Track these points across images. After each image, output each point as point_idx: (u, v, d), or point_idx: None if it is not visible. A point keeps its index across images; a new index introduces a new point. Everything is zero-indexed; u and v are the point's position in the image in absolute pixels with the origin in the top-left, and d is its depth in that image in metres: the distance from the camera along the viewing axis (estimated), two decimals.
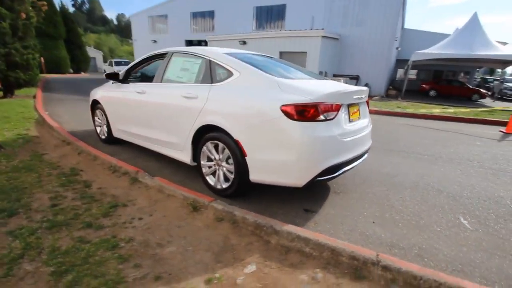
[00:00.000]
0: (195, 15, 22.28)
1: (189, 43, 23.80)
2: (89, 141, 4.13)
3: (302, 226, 2.15)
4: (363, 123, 2.68)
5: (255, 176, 2.33)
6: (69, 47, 22.89)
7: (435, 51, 15.35)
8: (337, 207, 2.52)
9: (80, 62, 25.07)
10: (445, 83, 18.06)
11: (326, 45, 14.84)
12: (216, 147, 2.57)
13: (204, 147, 2.64)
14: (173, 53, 3.15)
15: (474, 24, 15.72)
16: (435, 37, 22.83)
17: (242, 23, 20.04)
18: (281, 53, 15.40)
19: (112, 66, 21.42)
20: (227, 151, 2.45)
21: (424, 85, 18.05)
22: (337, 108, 2.22)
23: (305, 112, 2.06)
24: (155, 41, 24.36)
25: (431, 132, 6.13)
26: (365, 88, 2.67)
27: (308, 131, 2.07)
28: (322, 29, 14.30)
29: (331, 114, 2.17)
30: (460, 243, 2.05)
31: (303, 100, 2.07)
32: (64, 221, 2.01)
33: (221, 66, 2.61)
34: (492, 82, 22.39)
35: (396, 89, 20.18)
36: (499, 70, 25.69)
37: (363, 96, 2.64)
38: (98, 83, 4.95)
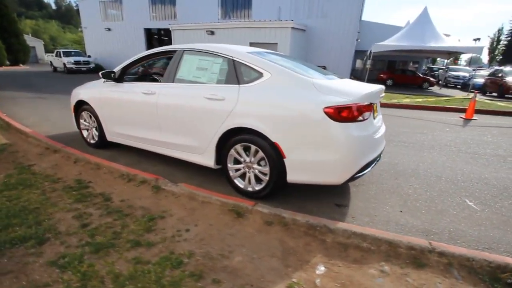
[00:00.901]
0: (154, 1, 20.81)
1: (148, 31, 22.29)
2: (75, 146, 3.73)
3: (342, 221, 2.26)
4: (380, 119, 2.85)
5: (293, 176, 2.36)
6: (2, 35, 19.86)
7: (393, 43, 16.54)
8: (363, 199, 2.69)
9: (18, 53, 22.03)
10: (400, 72, 19.70)
11: (295, 36, 15.09)
12: (246, 149, 2.53)
13: (232, 150, 2.59)
14: (184, 51, 2.96)
15: (424, 18, 17.22)
16: (388, 29, 24.53)
17: (207, 11, 19.32)
18: (251, 43, 15.25)
19: (60, 57, 19.11)
20: (260, 154, 2.43)
21: (382, 75, 19.47)
22: (370, 108, 2.34)
23: (347, 113, 2.13)
24: (109, 29, 22.30)
25: (406, 121, 6.71)
26: (383, 86, 2.83)
27: (350, 131, 2.15)
28: (292, 20, 14.47)
29: (367, 114, 2.28)
30: (477, 223, 2.35)
31: (344, 101, 2.14)
32: (107, 242, 1.83)
33: (248, 67, 2.54)
34: (437, 71, 24.96)
35: (356, 78, 21.45)
36: (444, 60, 28.73)
37: (383, 94, 2.80)
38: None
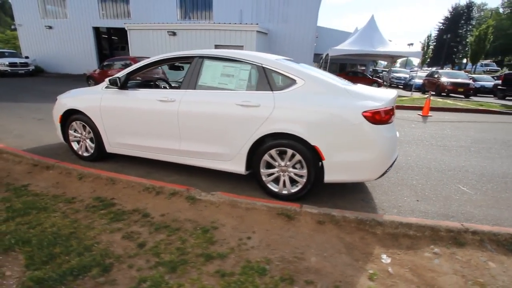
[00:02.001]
0: None
1: (99, 31, 20.49)
2: (65, 160, 3.39)
3: (375, 212, 2.50)
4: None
5: (331, 177, 2.51)
6: None
7: (347, 47, 17.96)
8: (382, 193, 2.97)
9: None
10: (352, 74, 21.46)
11: (260, 40, 15.40)
12: (280, 153, 2.61)
13: (266, 155, 2.64)
14: (203, 57, 2.91)
15: (372, 24, 19.07)
16: (339, 34, 26.57)
17: (165, 11, 18.57)
18: (216, 46, 15.13)
19: None
20: (298, 157, 2.53)
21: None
22: (394, 111, 2.61)
23: (381, 116, 2.36)
24: (50, 27, 19.90)
25: None
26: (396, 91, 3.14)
27: (383, 133, 2.39)
28: (257, 24, 14.73)
29: (393, 117, 2.55)
30: (477, 205, 2.79)
31: (378, 106, 2.37)
32: (178, 259, 1.74)
33: (280, 74, 2.62)
34: (381, 73, 27.81)
35: None
36: (382, 62, 31.93)
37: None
38: None
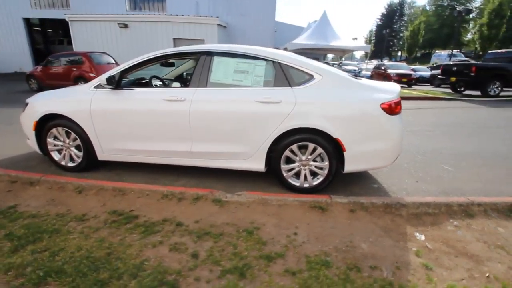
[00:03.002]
0: None
1: (28, 22, 17.82)
2: (43, 172, 3.01)
3: (389, 196, 2.73)
4: None
5: (350, 167, 2.65)
6: None
7: (304, 41, 18.63)
8: (386, 178, 3.22)
9: None
10: None
11: (220, 33, 15.10)
12: (301, 148, 2.66)
13: (287, 151, 2.66)
14: (212, 52, 2.77)
15: (324, 20, 20.06)
16: (292, 29, 27.41)
17: (111, 1, 16.95)
18: (174, 40, 14.40)
19: None
20: (319, 151, 2.61)
21: None
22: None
23: (395, 108, 2.55)
24: None
25: None
26: None
27: (399, 122, 2.59)
28: (217, 17, 14.37)
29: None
30: (463, 180, 3.22)
31: (392, 98, 2.55)
32: (240, 265, 1.68)
33: (297, 69, 2.64)
34: (332, 66, 29.55)
35: None
36: (329, 56, 33.94)
37: None
38: None
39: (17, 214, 2.23)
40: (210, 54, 2.77)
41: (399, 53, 63.84)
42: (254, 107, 2.59)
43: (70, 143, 3.10)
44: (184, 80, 4.34)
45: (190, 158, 2.88)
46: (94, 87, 2.92)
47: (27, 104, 3.20)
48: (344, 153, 2.57)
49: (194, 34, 14.19)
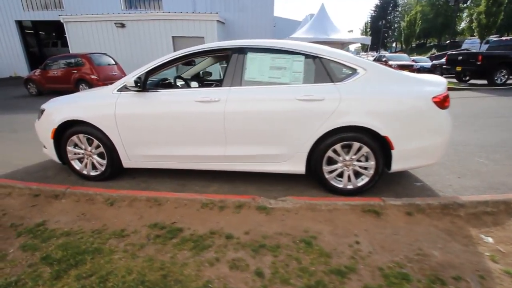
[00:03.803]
0: None
1: (21, 25, 17.33)
2: (63, 183, 2.84)
3: (438, 195, 2.59)
4: None
5: (398, 165, 2.49)
6: None
7: (303, 35, 18.37)
8: (425, 175, 3.07)
9: None
10: None
11: (219, 29, 14.80)
12: (344, 147, 2.50)
13: (330, 151, 2.50)
14: (245, 48, 2.58)
15: (323, 13, 19.81)
16: (289, 23, 27.08)
17: (106, 0, 16.53)
18: (174, 37, 14.09)
19: None
20: (365, 149, 2.45)
21: None
22: None
23: (446, 101, 2.40)
24: None
25: None
26: None
27: (449, 116, 2.43)
28: (216, 12, 14.06)
29: None
30: (505, 173, 3.08)
31: (442, 91, 2.40)
32: (314, 283, 1.52)
33: (339, 63, 2.47)
34: None
35: None
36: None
37: None
38: None
39: (48, 233, 2.04)
40: (242, 50, 2.58)
41: (394, 44, 63.80)
42: (294, 106, 2.42)
43: (93, 151, 2.91)
44: (201, 80, 4.15)
45: (224, 162, 2.70)
46: (118, 90, 2.72)
47: (42, 111, 2.99)
48: (392, 151, 2.41)
49: (193, 31, 13.88)
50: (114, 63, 10.40)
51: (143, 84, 2.63)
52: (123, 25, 14.07)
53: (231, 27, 17.07)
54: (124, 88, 2.69)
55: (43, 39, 21.55)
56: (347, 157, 2.51)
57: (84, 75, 9.36)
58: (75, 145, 2.94)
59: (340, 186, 2.60)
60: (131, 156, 2.83)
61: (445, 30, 45.58)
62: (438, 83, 2.48)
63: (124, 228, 2.07)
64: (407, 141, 2.41)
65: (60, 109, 2.89)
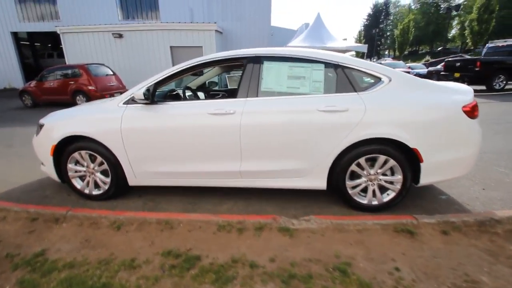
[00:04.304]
0: None
1: (16, 36, 17.14)
2: (64, 204, 2.63)
3: (466, 210, 2.44)
4: None
5: (426, 179, 2.33)
6: None
7: (299, 44, 18.50)
8: (448, 187, 2.91)
9: None
10: None
11: (217, 39, 14.79)
12: (369, 160, 2.34)
13: (353, 165, 2.33)
14: (260, 57, 2.44)
15: (319, 22, 20.02)
16: (286, 32, 27.35)
17: (103, 11, 16.51)
18: (172, 47, 14.01)
19: None
20: (391, 163, 2.29)
21: None
22: None
23: (475, 110, 2.26)
24: None
25: None
26: None
27: (478, 126, 2.30)
28: (215, 22, 14.07)
29: None
30: None
31: (470, 99, 2.27)
32: None
33: (362, 72, 2.33)
34: None
35: None
36: None
37: None
38: None
39: (49, 264, 1.82)
40: (258, 59, 2.43)
41: (386, 52, 64.87)
42: (316, 118, 2.26)
43: (95, 168, 2.70)
44: (207, 90, 4.00)
45: (239, 179, 2.52)
46: (124, 103, 2.54)
47: (41, 125, 2.79)
48: (421, 164, 2.26)
49: (192, 41, 13.83)
50: (112, 73, 10.23)
51: (152, 96, 2.46)
52: (120, 36, 13.98)
53: (229, 37, 17.10)
54: (131, 101, 2.51)
55: (38, 50, 21.37)
56: (372, 171, 2.35)
57: (81, 86, 9.16)
58: (76, 162, 2.74)
59: (365, 202, 2.43)
60: (138, 174, 2.63)
61: (436, 37, 46.53)
62: (465, 91, 2.35)
63: (134, 257, 1.86)
64: (437, 153, 2.25)
65: (60, 124, 2.69)
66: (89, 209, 2.46)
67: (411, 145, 2.20)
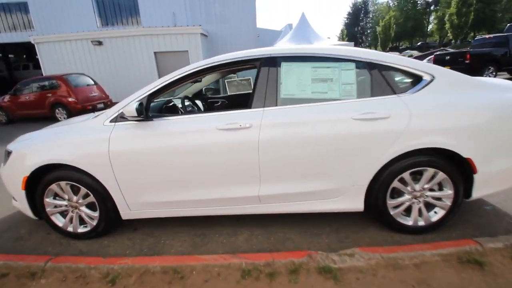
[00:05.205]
0: None
1: None
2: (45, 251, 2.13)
3: None
4: None
5: (480, 192, 1.99)
6: None
7: (288, 44, 18.30)
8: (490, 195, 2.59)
9: None
10: None
11: (203, 42, 14.28)
12: (413, 175, 1.97)
13: (396, 180, 1.96)
14: (276, 58, 2.02)
15: (303, 22, 19.91)
16: (270, 33, 27.17)
17: (80, 19, 15.67)
18: (156, 53, 13.38)
19: None
20: (440, 176, 1.93)
21: None
22: None
23: None
24: None
25: None
26: None
27: None
28: (200, 25, 13.57)
29: None
30: None
31: None
32: None
33: (400, 70, 1.96)
34: None
35: None
36: None
37: None
38: None
39: None
40: (274, 60, 2.02)
41: (369, 49, 66.07)
42: (350, 127, 1.86)
43: (80, 201, 2.21)
44: (204, 98, 3.55)
45: (258, 205, 2.09)
46: (111, 121, 2.07)
47: (9, 153, 2.27)
48: (475, 175, 1.90)
49: (176, 45, 13.23)
50: (93, 83, 9.56)
51: (146, 111, 2.00)
52: (100, 43, 13.19)
53: (214, 40, 16.60)
54: (120, 118, 2.04)
55: (13, 63, 20.17)
56: (417, 187, 1.98)
57: (60, 98, 8.46)
58: (56, 196, 2.23)
59: (410, 223, 2.06)
60: (133, 205, 2.16)
61: (415, 32, 47.66)
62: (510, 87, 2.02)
63: None
64: (492, 161, 1.91)
65: (32, 150, 2.18)
66: (74, 257, 1.97)
67: (465, 154, 1.85)
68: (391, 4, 55.80)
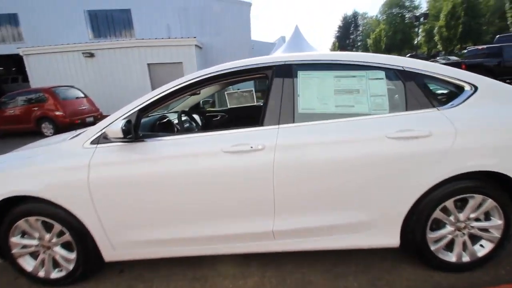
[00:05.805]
0: None
1: None
2: None
3: None
4: None
5: None
6: None
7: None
8: None
9: None
10: None
11: (197, 54, 14.12)
12: (458, 202, 1.65)
13: (437, 210, 1.63)
14: (292, 65, 1.72)
15: (297, 34, 20.05)
16: (264, 45, 27.39)
17: (71, 31, 15.39)
18: (149, 65, 13.11)
19: None
20: (489, 204, 1.62)
21: None
22: None
23: None
24: None
25: None
26: None
27: None
28: (194, 37, 13.42)
29: None
30: None
31: None
32: None
33: (438, 79, 1.68)
34: None
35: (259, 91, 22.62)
36: None
37: None
38: None
39: None
40: (289, 69, 1.71)
41: None
42: (385, 148, 1.55)
43: (53, 240, 1.81)
44: (202, 112, 3.21)
45: (271, 241, 1.73)
46: (92, 142, 1.70)
47: None
48: None
49: (170, 57, 12.99)
50: (82, 96, 9.15)
51: (135, 131, 1.64)
52: (91, 55, 12.86)
53: (209, 52, 16.48)
54: (103, 139, 1.68)
55: (1, 75, 19.63)
56: (461, 216, 1.65)
57: (47, 112, 8.02)
58: (23, 234, 1.83)
59: (453, 260, 1.72)
60: (118, 244, 1.76)
61: (404, 45, 48.95)
62: None
63: None
64: None
65: None
66: None
67: None
68: (380, 18, 57.54)
